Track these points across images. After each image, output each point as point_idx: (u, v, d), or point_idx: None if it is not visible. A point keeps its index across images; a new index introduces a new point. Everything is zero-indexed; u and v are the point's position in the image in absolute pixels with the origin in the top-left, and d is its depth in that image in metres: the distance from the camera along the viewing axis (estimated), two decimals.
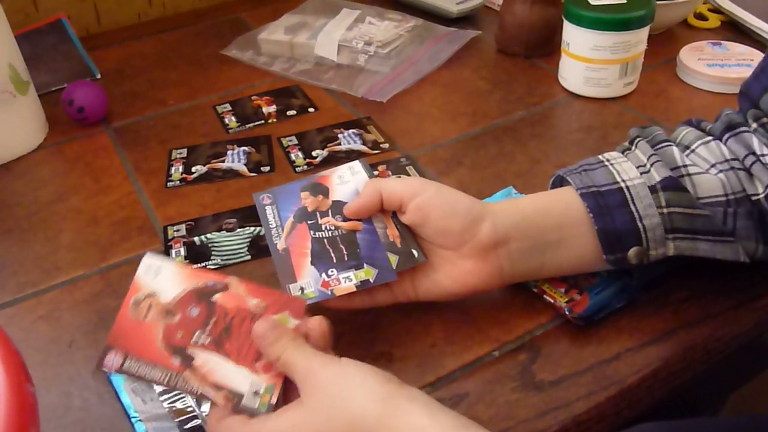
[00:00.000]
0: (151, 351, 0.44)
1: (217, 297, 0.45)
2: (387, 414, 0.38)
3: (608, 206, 0.50)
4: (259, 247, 0.60)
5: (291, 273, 0.50)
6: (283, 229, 0.52)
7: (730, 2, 0.94)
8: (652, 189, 0.50)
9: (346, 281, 0.49)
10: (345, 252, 0.51)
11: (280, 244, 0.51)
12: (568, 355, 0.49)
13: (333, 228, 0.52)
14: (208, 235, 0.62)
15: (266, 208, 0.54)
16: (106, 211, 0.66)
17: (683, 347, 0.50)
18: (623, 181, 0.51)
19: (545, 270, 0.52)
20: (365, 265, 0.50)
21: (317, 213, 0.53)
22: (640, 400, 0.48)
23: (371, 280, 0.49)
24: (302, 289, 0.49)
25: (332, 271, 0.50)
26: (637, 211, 0.49)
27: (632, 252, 0.50)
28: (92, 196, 0.69)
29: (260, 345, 0.43)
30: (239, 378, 0.43)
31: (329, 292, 0.49)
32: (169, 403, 0.46)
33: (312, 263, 0.50)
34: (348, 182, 0.55)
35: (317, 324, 0.44)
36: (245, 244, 0.60)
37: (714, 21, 0.94)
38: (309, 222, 0.53)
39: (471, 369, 0.49)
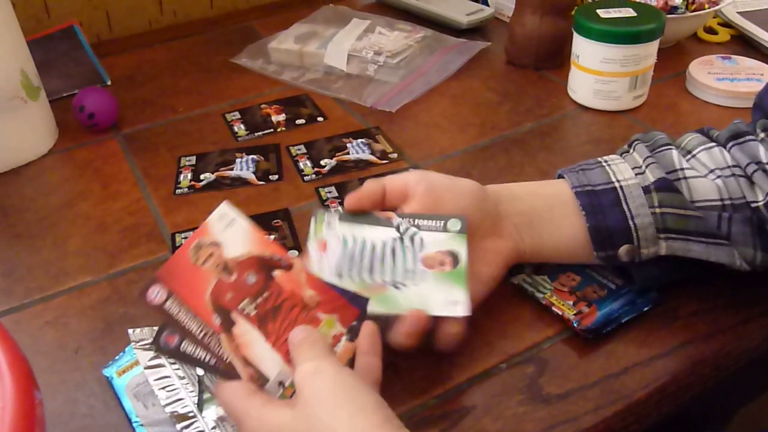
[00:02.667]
0: (197, 300, 0.43)
1: (278, 273, 0.44)
2: None
3: (601, 205, 0.51)
4: None
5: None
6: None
7: (740, 16, 0.94)
8: (646, 189, 0.51)
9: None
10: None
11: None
12: (575, 369, 0.49)
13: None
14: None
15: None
16: (114, 217, 0.67)
17: (692, 362, 0.50)
18: (618, 181, 0.52)
19: (545, 247, 0.53)
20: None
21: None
22: (647, 414, 0.48)
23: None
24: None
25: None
26: (629, 210, 0.50)
27: (623, 249, 0.51)
28: (101, 202, 0.69)
29: (289, 345, 0.43)
30: (271, 362, 0.42)
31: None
32: (170, 409, 0.46)
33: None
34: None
35: (367, 328, 0.44)
36: None
37: (724, 35, 0.94)
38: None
39: (478, 381, 0.49)
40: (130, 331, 0.50)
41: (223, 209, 0.45)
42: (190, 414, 0.46)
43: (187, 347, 0.43)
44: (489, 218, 0.52)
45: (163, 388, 0.47)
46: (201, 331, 0.43)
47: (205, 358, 0.42)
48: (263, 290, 0.44)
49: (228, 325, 0.43)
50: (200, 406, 0.45)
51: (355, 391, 0.39)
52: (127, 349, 0.50)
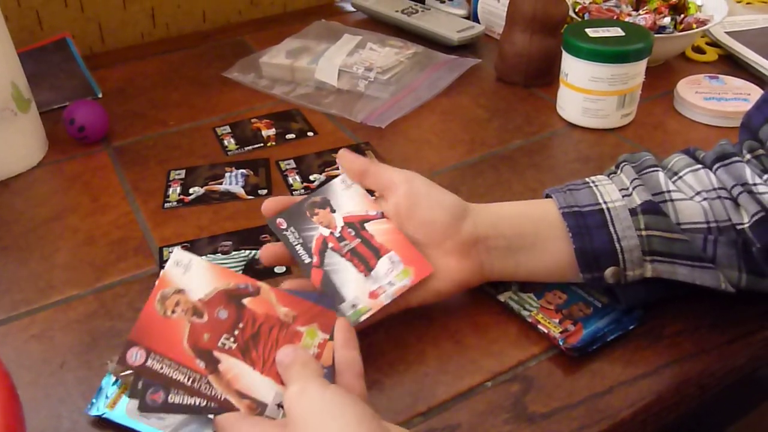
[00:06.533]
0: (176, 351, 0.43)
1: (247, 301, 0.44)
2: None
3: (588, 226, 0.51)
4: (255, 271, 0.60)
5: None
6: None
7: (728, 36, 0.95)
8: (633, 212, 0.51)
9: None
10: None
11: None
12: (560, 388, 0.49)
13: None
14: (204, 258, 0.61)
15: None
16: (102, 230, 0.66)
17: (677, 381, 0.50)
18: (605, 202, 0.52)
19: (520, 271, 0.54)
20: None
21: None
22: None
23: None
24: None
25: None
26: (616, 232, 0.51)
27: (609, 272, 0.51)
28: (89, 215, 0.69)
29: (278, 370, 0.43)
30: (264, 388, 0.43)
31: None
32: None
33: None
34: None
35: (340, 324, 0.46)
36: (240, 268, 0.60)
37: (712, 54, 0.95)
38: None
39: (463, 399, 0.49)
40: (109, 363, 0.49)
41: (176, 255, 0.46)
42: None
43: (175, 398, 0.43)
44: (458, 236, 0.52)
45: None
46: (189, 378, 0.43)
47: (199, 403, 0.43)
48: (238, 322, 0.44)
49: (213, 365, 0.43)
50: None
51: (340, 407, 0.39)
52: (103, 383, 0.49)
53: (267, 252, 0.54)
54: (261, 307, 0.44)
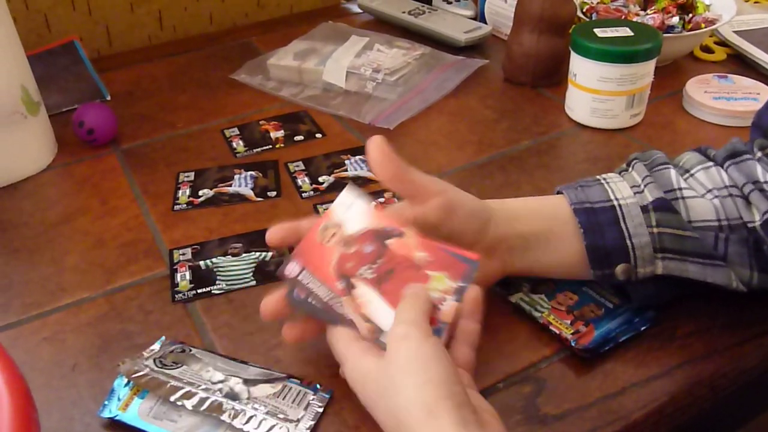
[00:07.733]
0: (324, 271, 0.49)
1: (391, 242, 0.50)
2: (424, 427, 0.39)
3: (599, 223, 0.51)
4: (264, 273, 0.60)
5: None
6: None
7: (737, 36, 0.95)
8: (644, 209, 0.51)
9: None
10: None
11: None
12: (573, 389, 0.49)
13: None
14: (214, 260, 0.62)
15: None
16: (112, 233, 0.67)
17: (689, 383, 0.50)
18: (617, 199, 0.52)
19: (536, 267, 0.54)
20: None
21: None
22: None
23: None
24: None
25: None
26: (627, 229, 0.51)
27: (620, 269, 0.51)
28: (99, 217, 0.69)
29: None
30: (387, 317, 0.47)
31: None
32: (203, 408, 0.46)
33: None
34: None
35: (472, 292, 0.47)
36: (250, 270, 0.60)
37: (720, 54, 0.94)
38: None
39: None
40: (120, 365, 0.50)
41: (345, 195, 0.52)
42: (222, 403, 0.47)
43: (314, 302, 0.49)
44: (486, 239, 0.52)
45: (182, 396, 0.47)
46: (327, 296, 0.49)
47: (330, 317, 0.48)
48: (379, 257, 0.49)
49: (349, 288, 0.49)
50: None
51: (431, 363, 0.41)
52: (115, 385, 0.49)
53: (275, 232, 0.52)
54: (402, 249, 0.49)
